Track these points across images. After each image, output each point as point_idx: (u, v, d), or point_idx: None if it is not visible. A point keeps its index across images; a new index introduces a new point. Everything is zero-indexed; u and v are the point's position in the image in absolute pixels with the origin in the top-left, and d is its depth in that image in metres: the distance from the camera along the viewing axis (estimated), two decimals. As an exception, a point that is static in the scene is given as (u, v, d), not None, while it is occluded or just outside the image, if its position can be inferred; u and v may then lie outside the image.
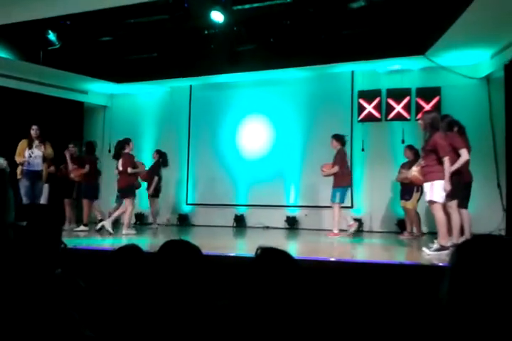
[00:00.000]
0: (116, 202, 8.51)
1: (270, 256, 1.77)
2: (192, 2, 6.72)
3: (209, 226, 9.45)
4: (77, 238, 6.94)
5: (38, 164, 7.24)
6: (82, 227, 8.00)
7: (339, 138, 7.51)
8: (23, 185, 7.05)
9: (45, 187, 7.74)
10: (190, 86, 10.28)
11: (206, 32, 7.77)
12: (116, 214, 7.58)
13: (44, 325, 0.75)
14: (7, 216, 0.79)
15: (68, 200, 8.65)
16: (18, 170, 7.10)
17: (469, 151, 5.90)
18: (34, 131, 7.28)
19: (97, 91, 10.61)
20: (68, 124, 10.11)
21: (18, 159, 7.13)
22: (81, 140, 10.59)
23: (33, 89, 9.17)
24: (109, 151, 10.50)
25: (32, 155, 7.18)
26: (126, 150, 7.57)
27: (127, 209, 7.36)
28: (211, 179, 9.89)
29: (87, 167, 8.22)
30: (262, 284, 1.77)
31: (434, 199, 5.03)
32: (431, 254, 4.93)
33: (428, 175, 5.14)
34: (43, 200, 7.66)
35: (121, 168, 7.54)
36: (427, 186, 5.15)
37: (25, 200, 7.09)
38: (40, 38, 7.63)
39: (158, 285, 1.71)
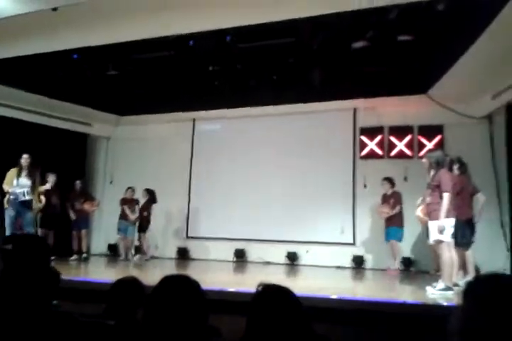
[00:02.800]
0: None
1: (271, 292, 1.73)
2: (197, 40, 6.87)
3: (209, 260, 9.31)
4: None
5: (25, 194, 7.14)
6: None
7: (391, 181, 7.89)
8: (8, 214, 6.95)
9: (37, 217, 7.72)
10: (194, 119, 10.38)
11: (211, 68, 7.92)
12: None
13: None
14: None
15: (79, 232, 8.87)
16: (5, 199, 7.03)
17: (471, 189, 5.91)
18: (24, 159, 7.24)
19: (101, 123, 10.72)
20: (71, 155, 10.16)
21: (5, 187, 7.06)
22: (83, 171, 10.67)
23: (38, 120, 9.27)
24: (111, 182, 10.54)
25: (20, 184, 7.12)
26: None
27: None
28: (212, 212, 9.82)
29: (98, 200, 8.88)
30: (263, 321, 1.73)
31: (442, 239, 4.98)
32: (435, 294, 4.83)
33: (433, 213, 5.10)
34: (33, 230, 7.62)
35: None
36: (432, 225, 5.10)
37: (7, 231, 6.94)
38: (47, 70, 7.78)
39: (155, 320, 1.66)
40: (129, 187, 9.09)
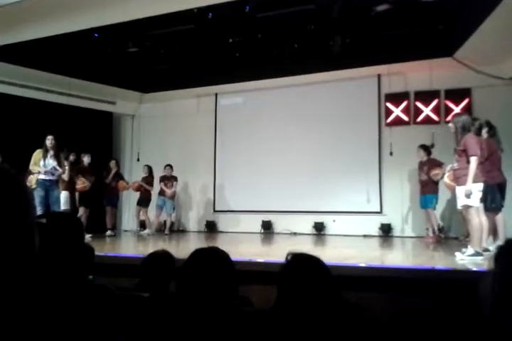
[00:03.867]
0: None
1: (301, 261, 1.75)
2: (216, 12, 6.78)
3: (236, 233, 9.46)
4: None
5: (52, 173, 7.34)
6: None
7: (426, 148, 7.71)
8: (38, 194, 7.15)
9: (64, 196, 7.90)
10: (216, 94, 10.35)
11: (231, 40, 7.82)
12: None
13: (80, 335, 0.75)
14: (32, 215, 0.79)
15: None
16: (33, 179, 7.22)
17: (501, 153, 5.78)
18: (49, 141, 7.38)
19: (124, 101, 10.80)
20: (97, 134, 10.32)
21: (33, 168, 7.25)
22: (110, 149, 10.85)
23: (62, 101, 9.40)
24: (138, 160, 10.70)
25: (47, 164, 7.30)
26: None
27: None
28: (238, 186, 9.90)
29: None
30: (293, 290, 1.75)
31: (470, 204, 4.92)
32: (465, 259, 4.81)
33: (461, 179, 5.02)
34: (63, 208, 7.86)
35: None
36: (460, 190, 5.03)
37: (38, 210, 7.18)
38: (70, 51, 7.83)
39: (187, 292, 1.71)
40: (166, 165, 9.21)
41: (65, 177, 7.84)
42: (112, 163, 9.28)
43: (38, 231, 0.85)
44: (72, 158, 8.39)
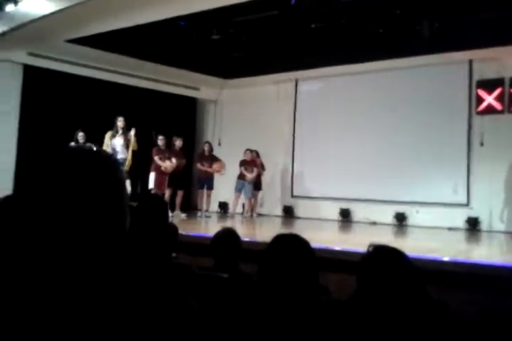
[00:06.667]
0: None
1: (383, 254, 1.71)
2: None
3: (314, 219, 9.43)
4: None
5: (119, 152, 7.65)
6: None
7: None
8: None
9: (152, 176, 8.27)
10: (296, 80, 10.29)
11: (313, 26, 7.70)
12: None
13: (165, 313, 0.78)
14: (126, 198, 0.84)
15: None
16: None
17: None
18: (121, 122, 7.73)
19: (208, 87, 11.05)
20: (183, 119, 10.71)
21: (106, 150, 7.60)
22: (194, 134, 11.20)
23: (150, 86, 9.81)
24: (219, 144, 10.94)
25: (113, 144, 7.65)
26: None
27: None
28: (317, 172, 9.84)
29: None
30: (374, 284, 1.72)
31: None
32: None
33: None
34: (150, 188, 8.26)
35: None
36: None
37: None
38: (157, 38, 8.11)
39: (268, 278, 1.73)
40: (247, 149, 9.35)
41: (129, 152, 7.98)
42: (206, 146, 9.44)
43: (129, 214, 0.89)
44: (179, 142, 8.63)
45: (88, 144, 7.91)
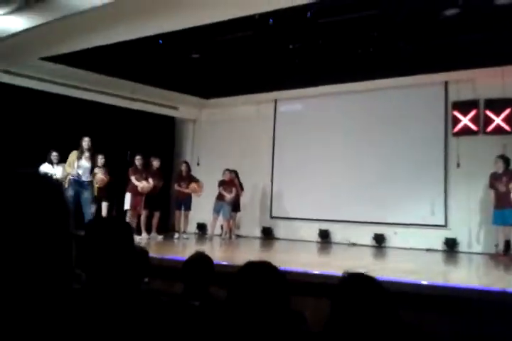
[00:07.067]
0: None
1: (355, 280, 1.65)
2: (277, 18, 6.74)
3: (293, 240, 9.33)
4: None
5: (84, 175, 7.50)
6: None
7: (506, 159, 7.30)
8: (69, 195, 7.32)
9: (127, 197, 8.15)
10: (275, 100, 10.34)
11: (291, 46, 7.76)
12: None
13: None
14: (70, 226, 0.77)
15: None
16: (66, 180, 7.46)
17: None
18: (86, 142, 7.56)
19: (186, 106, 11.01)
20: (161, 138, 10.61)
21: (68, 169, 7.45)
22: (172, 153, 11.11)
23: (127, 105, 9.73)
24: (198, 164, 10.85)
25: (80, 166, 7.49)
26: None
27: None
28: (296, 193, 9.80)
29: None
30: (347, 309, 1.66)
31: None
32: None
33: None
34: (125, 208, 8.12)
35: None
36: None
37: None
38: (134, 57, 8.07)
39: (237, 306, 1.65)
40: (226, 169, 9.26)
41: (102, 177, 7.89)
42: (184, 166, 9.27)
43: (74, 243, 0.83)
44: (101, 160, 8.19)
45: (62, 164, 7.75)
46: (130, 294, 1.87)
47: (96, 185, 7.90)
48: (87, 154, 7.55)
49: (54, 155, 7.93)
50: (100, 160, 8.13)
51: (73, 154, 7.53)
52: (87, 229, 1.71)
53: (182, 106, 10.96)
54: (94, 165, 7.66)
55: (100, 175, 7.84)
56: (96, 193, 7.98)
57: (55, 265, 0.77)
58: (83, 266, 1.69)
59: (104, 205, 8.13)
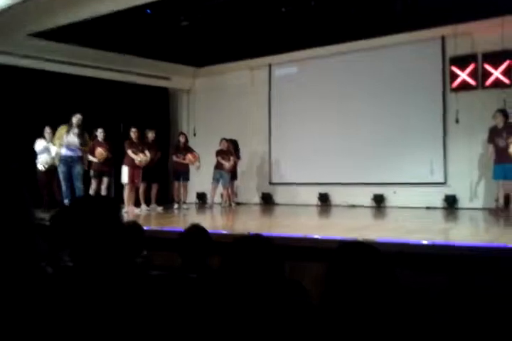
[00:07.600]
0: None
1: (350, 247, 1.62)
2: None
3: (292, 205, 9.36)
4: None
5: (73, 150, 7.48)
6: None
7: (505, 113, 7.13)
8: (61, 170, 7.39)
9: (124, 170, 8.10)
10: (269, 65, 10.13)
11: (283, 9, 7.53)
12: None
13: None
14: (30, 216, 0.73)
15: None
16: (57, 157, 7.42)
17: None
18: (76, 119, 7.49)
19: (179, 76, 10.80)
20: (154, 110, 10.45)
21: (54, 142, 7.47)
22: (168, 125, 10.99)
23: (118, 78, 9.54)
24: (194, 135, 10.76)
25: (69, 141, 7.42)
26: None
27: None
28: (294, 158, 9.75)
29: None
30: (343, 274, 1.64)
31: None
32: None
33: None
34: (123, 182, 8.10)
35: None
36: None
37: (63, 186, 7.41)
38: (123, 28, 7.84)
39: (230, 280, 1.64)
40: (223, 138, 9.19)
41: (102, 151, 7.85)
42: (182, 137, 9.23)
43: (38, 233, 0.78)
44: (100, 134, 8.11)
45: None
46: (121, 269, 1.85)
47: (95, 160, 7.89)
48: (76, 130, 7.50)
49: (48, 131, 7.89)
50: (100, 134, 8.09)
51: (62, 128, 7.52)
52: (71, 208, 1.67)
53: (174, 77, 10.75)
54: (84, 142, 7.61)
55: (100, 149, 7.80)
56: (96, 168, 7.99)
57: (11, 257, 0.73)
58: (71, 244, 1.66)
59: (105, 180, 8.11)
